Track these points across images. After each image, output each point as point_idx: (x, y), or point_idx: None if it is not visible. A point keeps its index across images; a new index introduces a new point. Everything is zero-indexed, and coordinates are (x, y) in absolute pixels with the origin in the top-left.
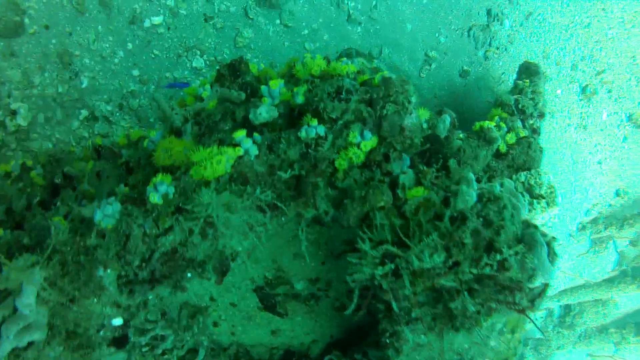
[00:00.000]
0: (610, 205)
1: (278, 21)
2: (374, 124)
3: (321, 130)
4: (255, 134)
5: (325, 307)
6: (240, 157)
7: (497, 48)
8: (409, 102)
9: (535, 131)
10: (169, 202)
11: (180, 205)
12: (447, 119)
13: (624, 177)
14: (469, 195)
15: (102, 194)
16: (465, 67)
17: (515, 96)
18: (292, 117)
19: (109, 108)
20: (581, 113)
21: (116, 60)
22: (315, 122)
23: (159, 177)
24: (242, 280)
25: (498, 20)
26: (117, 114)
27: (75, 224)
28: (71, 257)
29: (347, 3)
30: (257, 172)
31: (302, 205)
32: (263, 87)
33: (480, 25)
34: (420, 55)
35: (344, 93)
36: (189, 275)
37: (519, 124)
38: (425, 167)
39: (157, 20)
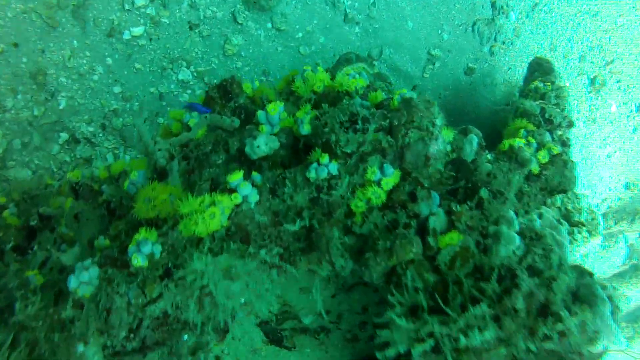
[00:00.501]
0: (619, 198)
1: (269, 25)
2: (395, 156)
3: (334, 168)
4: (254, 174)
5: (336, 338)
6: (237, 206)
7: (503, 42)
8: (434, 124)
9: (565, 143)
10: (156, 263)
11: (169, 265)
12: (474, 140)
13: (634, 170)
14: (512, 239)
15: (81, 238)
16: (470, 65)
17: (538, 102)
18: (296, 147)
19: (90, 129)
20: (590, 106)
21: (95, 77)
22: (326, 158)
23: (142, 233)
24: (244, 315)
25: (503, 12)
26: (100, 135)
27: (53, 274)
28: (44, 334)
29: (344, 2)
30: (259, 223)
31: (316, 260)
32: (259, 113)
33: (485, 19)
34: (422, 54)
35: (359, 122)
36: (185, 337)
37: (548, 137)
38: (458, 206)
39: (137, 31)
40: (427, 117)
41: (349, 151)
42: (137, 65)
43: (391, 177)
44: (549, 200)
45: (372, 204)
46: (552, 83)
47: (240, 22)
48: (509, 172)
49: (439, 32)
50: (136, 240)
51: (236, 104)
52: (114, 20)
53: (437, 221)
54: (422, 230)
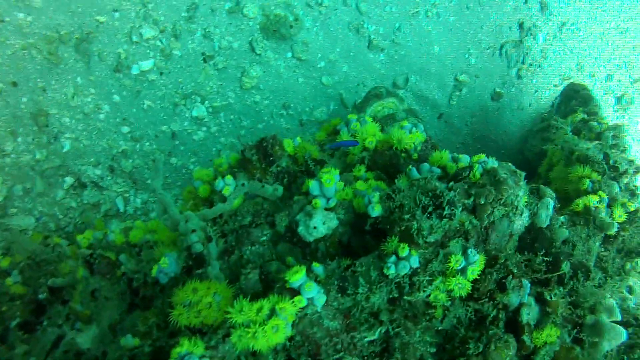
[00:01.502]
0: None
1: (290, 54)
2: (478, 238)
3: (415, 262)
4: (316, 266)
5: None
6: (301, 309)
7: (531, 65)
8: (518, 196)
9: (633, 193)
10: None
11: None
12: (550, 204)
13: None
14: (618, 334)
15: (100, 318)
16: (497, 89)
17: (594, 144)
18: (357, 224)
19: (97, 172)
20: None
21: (102, 117)
22: (406, 250)
23: (185, 345)
24: None
25: (531, 34)
26: (108, 178)
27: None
28: None
29: (367, 27)
30: (328, 329)
31: None
32: (312, 184)
33: (513, 41)
34: (449, 81)
35: (446, 207)
36: None
37: (617, 188)
38: (552, 295)
39: (146, 65)
40: (514, 191)
41: (432, 240)
42: (147, 102)
43: (476, 265)
44: (627, 265)
45: (454, 295)
46: (596, 114)
47: (258, 52)
48: (588, 238)
49: (466, 56)
50: (178, 354)
51: (279, 168)
52: (120, 54)
53: (529, 313)
54: (513, 325)
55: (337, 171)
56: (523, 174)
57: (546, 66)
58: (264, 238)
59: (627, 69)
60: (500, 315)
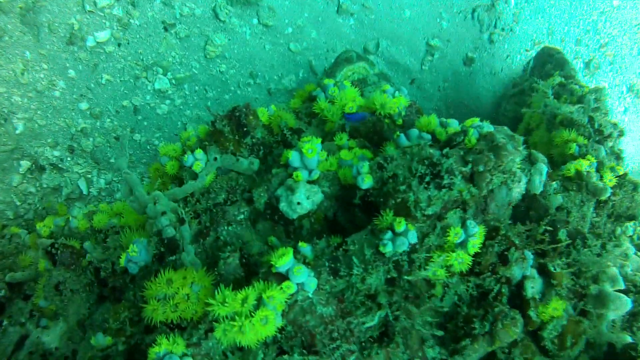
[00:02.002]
0: None
1: (255, 21)
2: (477, 208)
3: (414, 237)
4: (302, 245)
5: None
6: (291, 296)
7: (503, 29)
8: (516, 163)
9: (618, 156)
10: None
11: None
12: (543, 170)
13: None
14: (622, 303)
15: (68, 317)
16: (469, 54)
17: (577, 107)
18: (343, 197)
19: (56, 154)
20: None
21: (57, 94)
22: (403, 224)
23: (164, 344)
24: None
25: None
26: (69, 159)
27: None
28: None
29: None
30: (322, 316)
31: (400, 355)
32: (292, 154)
33: (485, 5)
34: (421, 46)
35: (445, 176)
36: None
37: (603, 152)
38: (555, 266)
39: (102, 36)
40: (514, 157)
41: (430, 213)
42: (106, 76)
43: (477, 238)
44: (618, 229)
45: (453, 270)
46: (573, 77)
47: (222, 19)
48: (582, 204)
49: (438, 20)
50: (156, 355)
51: (253, 140)
52: (73, 24)
53: (534, 287)
54: (518, 300)
55: (319, 140)
56: (521, 138)
57: (518, 30)
58: (242, 216)
59: (595, 34)
60: (503, 290)
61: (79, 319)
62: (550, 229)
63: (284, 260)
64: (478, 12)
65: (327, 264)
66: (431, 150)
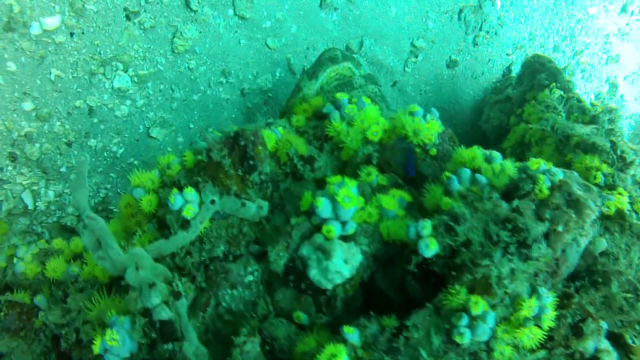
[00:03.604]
0: None
1: (231, 11)
2: (548, 272)
3: (492, 320)
4: (348, 331)
5: None
6: None
7: (487, 32)
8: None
9: None
10: None
11: None
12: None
13: None
14: None
15: None
16: (453, 57)
17: (591, 128)
18: (385, 255)
19: None
20: None
21: None
22: (480, 306)
23: None
24: None
25: None
26: (9, 169)
27: None
28: None
29: None
30: None
31: None
32: (320, 203)
33: (472, 6)
34: (405, 46)
35: (533, 246)
36: None
37: (630, 182)
38: (634, 339)
39: (51, 23)
40: (594, 214)
41: (511, 290)
42: (55, 71)
43: (550, 309)
44: None
45: (522, 347)
46: (570, 90)
47: (193, 8)
48: (628, 249)
49: (424, 19)
50: None
51: (262, 177)
52: (12, 6)
53: None
54: None
55: (355, 183)
56: (596, 189)
57: (502, 34)
58: (251, 278)
59: (571, 41)
60: None
61: None
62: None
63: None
64: (465, 13)
65: (385, 358)
66: (504, 206)
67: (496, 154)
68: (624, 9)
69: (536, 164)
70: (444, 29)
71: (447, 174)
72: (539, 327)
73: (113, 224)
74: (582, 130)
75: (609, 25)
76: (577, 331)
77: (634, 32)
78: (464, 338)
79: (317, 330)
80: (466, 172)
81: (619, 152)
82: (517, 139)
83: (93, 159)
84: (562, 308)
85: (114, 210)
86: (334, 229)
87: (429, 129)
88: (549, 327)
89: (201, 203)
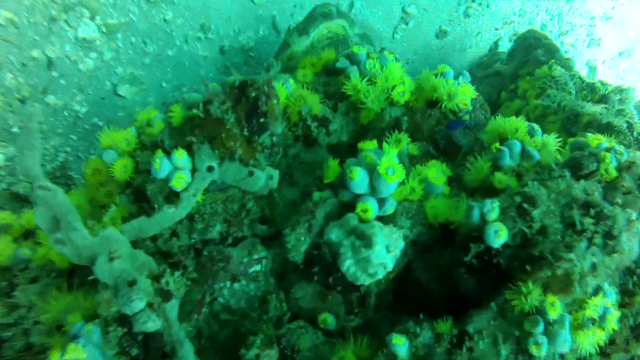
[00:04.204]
0: None
1: None
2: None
3: (568, 325)
4: (397, 341)
5: None
6: None
7: (480, 4)
8: None
9: None
10: None
11: None
12: None
13: None
14: None
15: None
16: (443, 27)
17: (601, 107)
18: (429, 239)
19: None
20: None
21: None
22: (558, 308)
23: None
24: None
25: None
26: None
27: None
28: None
29: None
30: None
31: None
32: (356, 174)
33: None
34: (397, 11)
35: (619, 236)
36: None
37: None
38: None
39: None
40: None
41: (592, 289)
42: (7, 14)
43: (614, 310)
44: None
45: (581, 352)
46: (570, 69)
47: None
48: None
49: None
50: None
51: (273, 138)
52: None
53: None
54: None
55: (396, 150)
56: None
57: (493, 8)
58: (258, 268)
59: (559, 21)
60: None
61: None
62: None
63: None
64: None
65: None
66: (579, 187)
67: (536, 127)
68: None
69: (595, 139)
70: None
71: (497, 145)
72: (602, 328)
73: (75, 195)
74: (594, 109)
75: (595, 8)
76: (636, 332)
77: (617, 16)
78: (542, 350)
79: (354, 339)
80: (517, 145)
81: (635, 134)
82: (510, 114)
83: (51, 118)
84: (622, 307)
85: (76, 177)
86: (372, 208)
87: (464, 93)
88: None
89: (194, 170)
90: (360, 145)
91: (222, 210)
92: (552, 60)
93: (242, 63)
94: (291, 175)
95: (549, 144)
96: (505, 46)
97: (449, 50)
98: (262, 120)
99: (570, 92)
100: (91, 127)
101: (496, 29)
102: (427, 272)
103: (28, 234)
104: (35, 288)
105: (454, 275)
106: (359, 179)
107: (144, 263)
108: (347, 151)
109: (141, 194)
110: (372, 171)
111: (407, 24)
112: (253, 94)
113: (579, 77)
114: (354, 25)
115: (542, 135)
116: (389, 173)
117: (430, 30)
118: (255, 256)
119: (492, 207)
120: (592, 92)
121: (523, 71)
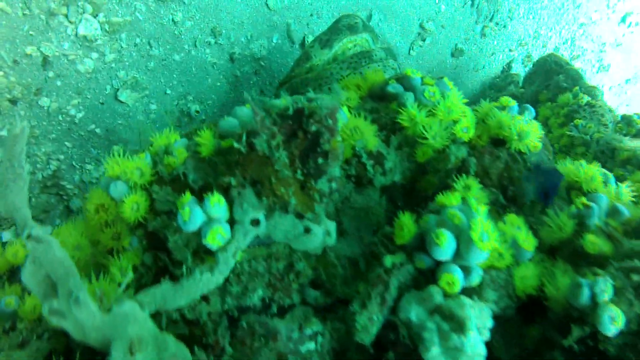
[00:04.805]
0: None
1: None
2: None
3: None
4: None
5: None
6: None
7: (497, 24)
8: None
9: None
10: None
11: None
12: None
13: None
14: None
15: None
16: (459, 45)
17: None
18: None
19: None
20: None
21: None
22: None
23: None
24: None
25: None
26: None
27: None
28: None
29: None
30: None
31: None
32: (444, 240)
33: None
34: (414, 27)
35: None
36: None
37: None
38: None
39: None
40: None
41: None
42: (0, 4)
43: None
44: None
45: None
46: (596, 97)
47: None
48: None
49: (437, 1)
50: None
51: (332, 184)
52: None
53: None
54: None
55: (486, 209)
56: None
57: (509, 28)
58: (311, 346)
59: (571, 45)
60: None
61: None
62: None
63: None
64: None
65: None
66: None
67: (609, 174)
68: (623, 19)
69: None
70: (455, 14)
71: (584, 200)
72: None
73: (73, 233)
74: (633, 144)
75: (607, 34)
76: None
77: (627, 43)
78: None
79: None
80: (603, 200)
81: None
82: None
83: (44, 122)
84: None
85: (67, 187)
86: (459, 280)
87: (534, 132)
88: None
89: (231, 220)
90: (441, 199)
91: (264, 270)
92: (576, 88)
93: (252, 72)
94: (339, 222)
95: (622, 194)
96: (517, 68)
97: (463, 69)
98: (320, 161)
99: (605, 125)
100: (87, 134)
101: (510, 50)
102: (508, 350)
103: (15, 272)
104: (22, 357)
105: (544, 358)
106: (446, 245)
107: (174, 355)
108: (402, 194)
109: (157, 240)
110: (459, 234)
111: (423, 40)
112: (314, 128)
113: (609, 109)
114: (378, 39)
115: (615, 184)
116: (483, 240)
117: (446, 48)
118: (309, 331)
119: (606, 287)
120: (629, 125)
121: (542, 96)
